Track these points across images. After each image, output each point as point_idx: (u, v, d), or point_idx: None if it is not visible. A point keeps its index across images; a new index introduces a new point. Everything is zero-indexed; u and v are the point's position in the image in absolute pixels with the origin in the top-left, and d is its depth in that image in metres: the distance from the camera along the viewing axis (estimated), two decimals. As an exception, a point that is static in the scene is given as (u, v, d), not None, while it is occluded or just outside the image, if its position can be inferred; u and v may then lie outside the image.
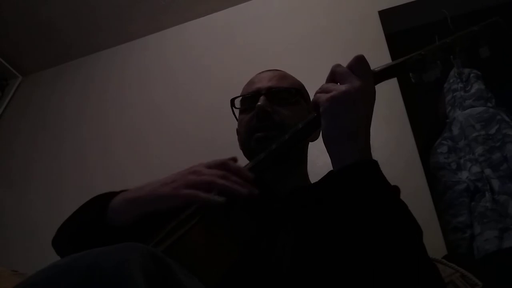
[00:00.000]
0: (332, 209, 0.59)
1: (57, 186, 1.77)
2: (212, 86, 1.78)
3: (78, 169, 1.79)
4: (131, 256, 0.38)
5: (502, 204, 1.21)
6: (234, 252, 0.56)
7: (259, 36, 1.85)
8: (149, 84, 1.94)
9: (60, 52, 2.18)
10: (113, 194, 0.67)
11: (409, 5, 1.63)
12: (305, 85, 0.94)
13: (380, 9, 1.65)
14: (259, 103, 0.79)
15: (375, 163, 0.59)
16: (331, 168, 0.62)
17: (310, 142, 0.90)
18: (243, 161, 0.70)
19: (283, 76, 0.89)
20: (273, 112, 0.79)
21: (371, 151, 0.61)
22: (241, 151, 0.86)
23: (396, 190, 0.61)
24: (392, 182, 0.61)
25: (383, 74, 0.65)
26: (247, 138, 0.82)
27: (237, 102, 0.88)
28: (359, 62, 0.62)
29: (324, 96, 0.61)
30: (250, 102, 0.84)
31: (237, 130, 0.92)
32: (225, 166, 0.61)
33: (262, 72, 0.92)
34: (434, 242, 1.14)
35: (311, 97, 0.66)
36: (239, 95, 0.89)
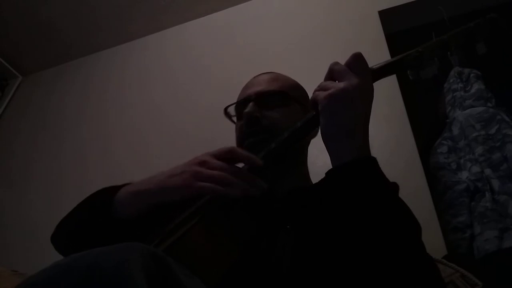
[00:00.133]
0: (330, 206, 0.59)
1: (57, 186, 1.77)
2: (212, 86, 1.78)
3: (78, 169, 1.79)
4: (131, 256, 0.38)
5: (502, 204, 1.21)
6: (234, 252, 0.56)
7: (259, 36, 1.85)
8: (149, 84, 1.94)
9: (60, 52, 2.18)
10: (115, 188, 0.67)
11: (409, 5, 1.63)
12: (305, 85, 0.94)
13: (380, 9, 1.66)
14: (245, 110, 0.80)
15: (374, 159, 0.59)
16: (331, 168, 0.62)
17: (310, 143, 0.91)
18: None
19: (274, 78, 0.89)
20: (262, 116, 0.80)
21: (372, 150, 0.61)
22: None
23: (395, 186, 0.61)
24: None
25: (381, 72, 0.66)
26: (239, 145, 0.83)
27: (232, 110, 0.89)
28: (357, 60, 0.62)
29: (322, 94, 0.61)
30: (242, 108, 0.84)
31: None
32: (233, 154, 0.62)
33: (256, 76, 0.93)
34: (434, 242, 1.14)
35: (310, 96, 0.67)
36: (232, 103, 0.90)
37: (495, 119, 1.39)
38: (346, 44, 1.60)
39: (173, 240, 0.54)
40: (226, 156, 0.61)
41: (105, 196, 0.66)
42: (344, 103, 0.59)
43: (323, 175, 0.63)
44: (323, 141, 0.62)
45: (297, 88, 0.91)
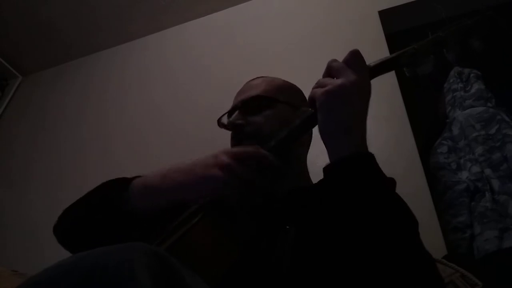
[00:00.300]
0: (327, 202, 0.59)
1: (57, 186, 1.77)
2: (212, 86, 1.78)
3: (78, 169, 1.79)
4: (135, 256, 0.38)
5: (502, 204, 1.21)
6: (234, 252, 0.56)
7: (259, 36, 1.85)
8: (149, 84, 1.94)
9: (60, 52, 2.18)
10: (125, 180, 0.68)
11: (409, 5, 1.63)
12: (305, 85, 0.93)
13: (380, 9, 1.66)
14: (229, 120, 0.83)
15: (371, 155, 0.59)
16: (328, 164, 0.62)
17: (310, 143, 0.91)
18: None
19: (259, 83, 0.89)
20: (246, 123, 0.81)
21: (371, 150, 0.61)
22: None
23: (392, 182, 0.61)
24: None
25: (378, 69, 0.66)
26: None
27: (225, 119, 0.91)
28: (355, 57, 0.62)
29: (319, 91, 0.61)
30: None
31: None
32: (255, 158, 0.62)
33: (246, 83, 0.94)
34: (434, 242, 1.14)
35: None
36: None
37: (495, 119, 1.39)
38: (346, 44, 1.59)
39: (173, 239, 0.54)
40: (246, 159, 0.61)
41: (118, 188, 0.66)
42: (341, 99, 0.59)
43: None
44: (321, 138, 0.62)
45: (285, 89, 0.91)
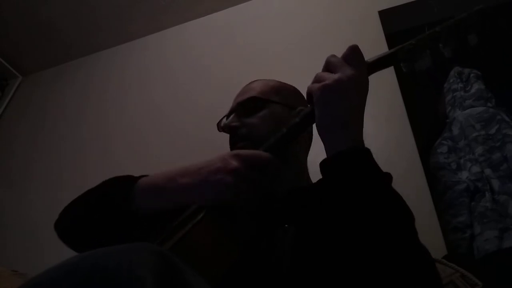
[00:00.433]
0: (325, 197, 0.59)
1: (57, 186, 1.77)
2: (212, 86, 1.78)
3: (78, 169, 1.79)
4: (139, 256, 0.38)
5: (502, 204, 1.21)
6: (234, 252, 0.56)
7: (259, 36, 1.85)
8: (149, 84, 1.94)
9: (60, 52, 2.18)
10: (129, 178, 0.68)
11: (409, 5, 1.63)
12: (305, 85, 0.92)
13: (380, 9, 1.66)
14: (224, 122, 0.84)
15: (367, 150, 0.59)
16: (324, 158, 0.62)
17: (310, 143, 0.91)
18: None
19: (254, 85, 0.91)
20: (242, 125, 0.82)
21: (372, 150, 0.61)
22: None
23: (388, 176, 0.61)
24: (392, 182, 0.61)
25: (376, 65, 0.66)
26: None
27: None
28: (353, 52, 0.63)
29: (316, 85, 0.61)
30: None
31: None
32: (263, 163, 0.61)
33: (244, 85, 0.94)
34: (434, 242, 1.14)
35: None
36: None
37: (495, 119, 1.39)
38: (346, 44, 1.58)
39: (174, 240, 0.54)
40: (253, 163, 0.60)
41: (123, 187, 0.66)
42: (338, 94, 0.60)
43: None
44: (318, 133, 0.63)
45: (280, 90, 0.91)
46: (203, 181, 0.58)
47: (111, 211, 0.64)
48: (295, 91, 0.94)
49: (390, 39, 1.57)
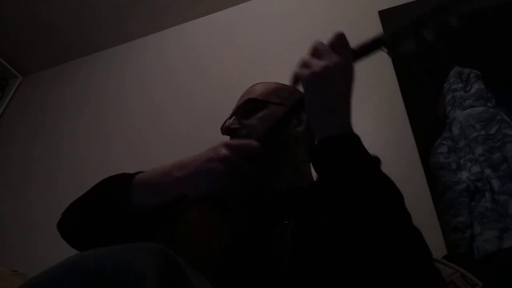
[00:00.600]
0: (321, 191, 0.60)
1: (57, 186, 1.77)
2: (212, 86, 1.78)
3: (78, 169, 1.79)
4: (139, 256, 0.38)
5: (502, 204, 1.21)
6: (228, 238, 0.57)
7: (259, 36, 1.85)
8: (149, 84, 1.94)
9: (60, 52, 2.18)
10: (126, 176, 0.69)
11: (409, 5, 1.63)
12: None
13: (380, 9, 1.65)
14: (225, 125, 0.86)
15: (355, 135, 0.61)
16: (313, 144, 0.64)
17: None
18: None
19: (256, 88, 0.91)
20: (241, 127, 0.83)
21: (372, 150, 0.61)
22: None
23: (376, 160, 0.62)
24: (391, 179, 0.61)
25: (361, 51, 0.68)
26: None
27: None
28: (339, 40, 0.65)
29: (306, 72, 0.63)
30: None
31: None
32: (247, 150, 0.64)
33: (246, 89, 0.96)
34: (434, 242, 1.14)
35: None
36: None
37: (495, 119, 1.39)
38: (346, 44, 1.59)
39: (172, 229, 0.55)
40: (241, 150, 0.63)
41: (120, 186, 0.67)
42: (326, 80, 0.61)
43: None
44: (308, 120, 0.65)
45: (280, 91, 0.92)
46: (196, 172, 0.61)
47: (110, 211, 0.64)
48: (295, 92, 0.94)
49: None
